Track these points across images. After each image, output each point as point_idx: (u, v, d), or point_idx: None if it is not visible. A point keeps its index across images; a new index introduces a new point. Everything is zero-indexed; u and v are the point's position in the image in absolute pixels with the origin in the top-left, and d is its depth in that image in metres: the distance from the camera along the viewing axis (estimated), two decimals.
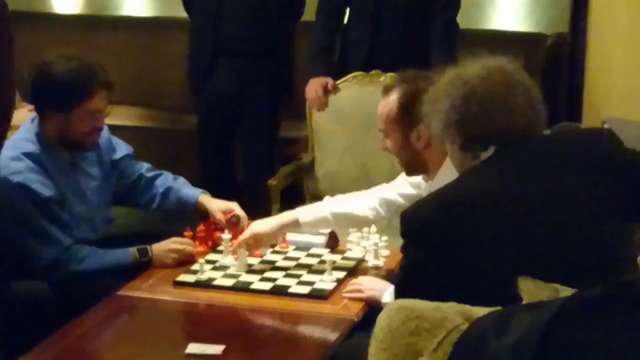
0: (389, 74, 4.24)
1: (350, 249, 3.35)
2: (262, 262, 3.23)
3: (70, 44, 5.14)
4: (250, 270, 3.15)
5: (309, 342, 2.83)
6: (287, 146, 4.94)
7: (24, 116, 3.48)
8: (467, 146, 2.42)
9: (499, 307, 2.12)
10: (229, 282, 3.07)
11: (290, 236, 3.35)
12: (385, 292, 2.89)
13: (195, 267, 3.14)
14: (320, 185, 4.37)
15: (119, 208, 3.61)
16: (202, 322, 2.96)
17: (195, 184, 3.63)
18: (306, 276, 3.11)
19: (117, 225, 3.60)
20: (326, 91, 4.36)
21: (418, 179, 3.16)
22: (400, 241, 3.48)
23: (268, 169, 4.49)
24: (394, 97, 3.02)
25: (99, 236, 3.37)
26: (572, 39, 5.19)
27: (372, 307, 2.86)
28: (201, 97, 4.67)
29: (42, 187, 3.15)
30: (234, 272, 3.13)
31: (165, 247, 3.24)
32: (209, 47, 4.55)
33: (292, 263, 3.22)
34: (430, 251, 2.34)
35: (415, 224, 2.39)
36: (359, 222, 3.29)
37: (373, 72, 4.32)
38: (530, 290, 2.14)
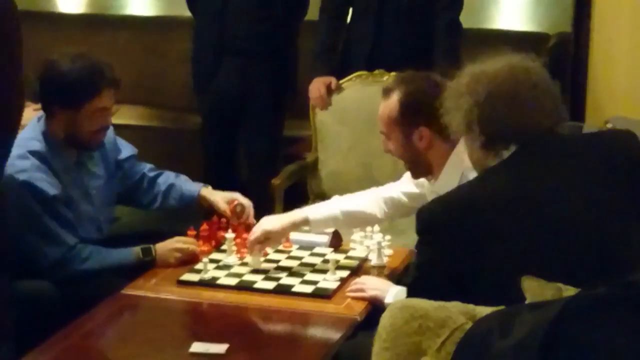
0: (393, 74, 4.24)
1: (354, 248, 3.35)
2: (266, 261, 3.23)
3: (74, 43, 5.12)
4: (253, 269, 3.16)
5: (312, 341, 2.83)
6: (291, 145, 4.94)
7: (29, 115, 3.47)
8: (488, 144, 2.39)
9: (502, 307, 2.12)
10: (233, 281, 3.07)
11: (294, 235, 3.35)
12: (389, 291, 2.89)
13: (198, 266, 3.15)
14: (323, 185, 4.37)
15: (123, 207, 3.62)
16: (206, 321, 2.96)
17: None
18: (309, 275, 3.11)
19: (120, 224, 3.61)
20: (329, 91, 4.36)
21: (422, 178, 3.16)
22: (402, 240, 3.51)
23: (271, 168, 4.49)
24: (394, 99, 3.02)
25: (103, 235, 3.37)
26: (576, 39, 5.19)
27: (376, 307, 2.86)
28: (205, 97, 4.68)
29: (48, 185, 3.16)
30: (238, 271, 3.14)
31: (168, 246, 3.24)
32: (212, 46, 4.55)
33: (296, 262, 3.22)
34: (446, 250, 2.32)
35: (432, 222, 2.36)
36: (368, 221, 3.29)
37: (376, 71, 4.32)
38: (534, 289, 2.14)
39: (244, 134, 4.65)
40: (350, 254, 3.31)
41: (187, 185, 3.55)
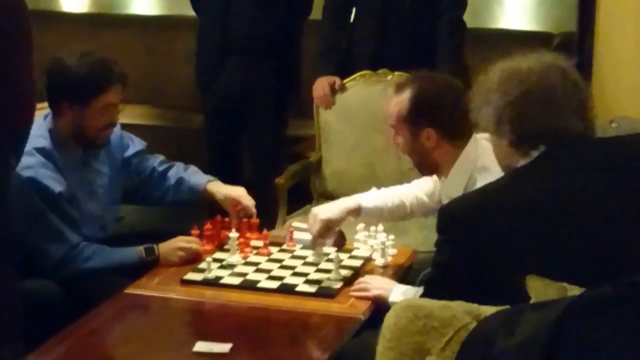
0: (397, 73, 4.24)
1: (358, 248, 3.35)
2: (270, 260, 3.23)
3: (77, 43, 5.14)
4: (257, 268, 3.15)
5: (315, 340, 2.83)
6: (295, 145, 4.94)
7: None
8: (518, 143, 2.34)
9: (507, 306, 2.12)
10: (236, 280, 3.07)
11: (298, 234, 3.35)
12: (393, 290, 2.88)
13: (202, 265, 3.14)
14: (327, 184, 4.37)
15: (127, 206, 3.62)
16: (210, 321, 2.96)
17: None
18: (313, 275, 3.11)
19: (124, 223, 3.60)
20: (333, 90, 4.35)
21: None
22: (406, 240, 3.50)
23: (275, 167, 4.48)
24: (405, 96, 3.01)
25: (107, 234, 3.37)
26: (580, 38, 5.18)
27: (380, 306, 2.85)
28: (208, 96, 4.68)
29: (53, 182, 3.16)
30: (242, 271, 3.13)
31: (172, 245, 3.24)
32: (216, 45, 4.55)
33: (299, 262, 3.22)
34: (466, 249, 2.28)
35: (453, 220, 2.33)
36: (404, 217, 3.27)
37: (380, 70, 4.32)
38: (538, 288, 2.13)
39: (247, 133, 4.65)
40: (354, 253, 3.31)
41: (194, 178, 3.53)
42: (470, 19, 4.49)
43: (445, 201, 3.04)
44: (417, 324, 2.15)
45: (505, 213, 2.26)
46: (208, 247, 3.32)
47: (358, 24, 4.50)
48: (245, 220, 3.43)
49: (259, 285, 3.04)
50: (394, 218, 3.26)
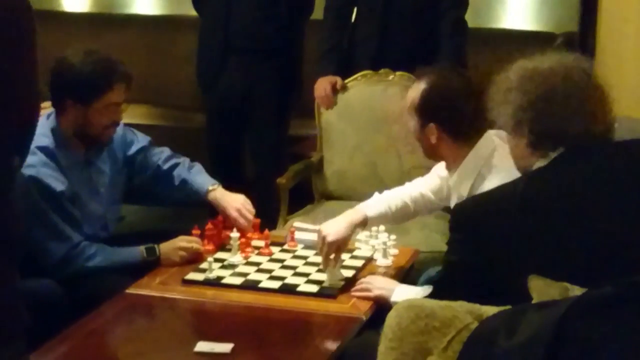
0: (398, 73, 4.24)
1: (359, 248, 3.35)
2: (271, 260, 3.22)
3: (79, 42, 5.14)
4: (258, 268, 3.15)
5: (317, 340, 2.82)
6: (296, 144, 4.94)
7: None
8: (536, 144, 2.31)
9: (509, 306, 2.11)
10: (238, 280, 3.07)
11: (299, 235, 3.35)
12: (394, 290, 2.88)
13: (203, 265, 3.14)
14: (329, 184, 4.37)
15: (128, 206, 3.61)
16: (211, 321, 2.95)
17: None
18: (315, 275, 3.11)
19: (125, 223, 3.60)
20: (335, 90, 4.35)
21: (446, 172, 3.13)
22: (406, 240, 3.49)
23: (277, 167, 4.48)
24: (421, 87, 3.05)
25: (109, 234, 3.37)
26: (582, 38, 5.18)
27: (382, 306, 2.85)
28: (210, 96, 4.68)
29: (55, 181, 3.16)
30: (243, 271, 3.13)
31: (173, 245, 3.24)
32: (218, 45, 4.55)
33: (301, 262, 3.22)
34: (477, 249, 2.27)
35: (466, 220, 2.32)
36: (409, 217, 3.26)
37: (382, 70, 4.31)
38: (540, 288, 2.12)
39: (249, 133, 4.65)
40: (355, 253, 3.30)
41: (198, 181, 3.51)
42: (472, 19, 4.49)
43: (454, 196, 3.05)
44: (418, 324, 2.15)
45: (514, 215, 2.24)
46: (209, 247, 3.32)
47: (359, 24, 4.50)
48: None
49: (260, 285, 3.04)
50: (399, 220, 3.25)
